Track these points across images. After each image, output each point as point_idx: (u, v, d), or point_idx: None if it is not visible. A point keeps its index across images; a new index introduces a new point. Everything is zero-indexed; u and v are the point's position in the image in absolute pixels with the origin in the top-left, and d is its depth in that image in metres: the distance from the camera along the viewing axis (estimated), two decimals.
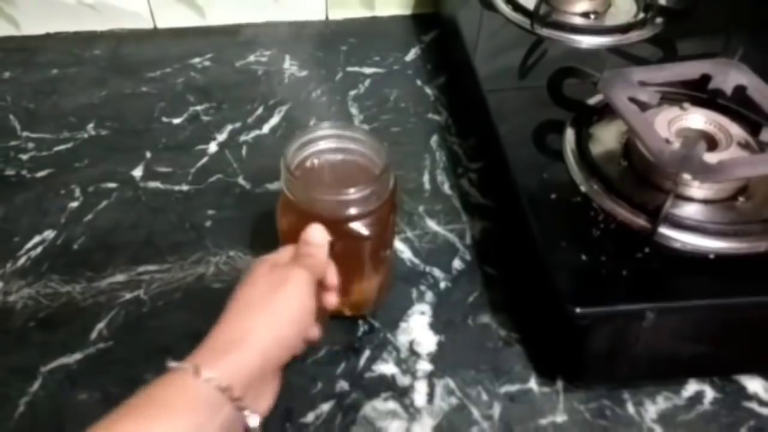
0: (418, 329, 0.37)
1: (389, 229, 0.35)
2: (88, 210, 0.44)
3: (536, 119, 0.41)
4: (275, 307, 0.28)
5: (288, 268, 0.29)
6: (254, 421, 0.26)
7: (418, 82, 0.56)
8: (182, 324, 0.37)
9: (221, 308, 0.39)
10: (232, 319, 0.28)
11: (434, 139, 0.50)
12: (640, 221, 0.33)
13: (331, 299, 0.32)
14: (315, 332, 0.31)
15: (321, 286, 0.31)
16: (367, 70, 0.57)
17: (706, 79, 0.39)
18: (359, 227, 0.33)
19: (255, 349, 0.27)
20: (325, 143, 0.35)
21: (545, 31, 0.49)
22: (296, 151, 0.34)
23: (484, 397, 0.34)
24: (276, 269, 0.30)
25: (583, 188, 0.36)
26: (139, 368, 0.35)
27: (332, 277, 0.32)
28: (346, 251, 0.33)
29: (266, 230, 0.38)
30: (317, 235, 0.31)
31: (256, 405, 0.27)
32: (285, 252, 0.32)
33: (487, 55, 0.49)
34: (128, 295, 0.39)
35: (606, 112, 0.40)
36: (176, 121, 0.52)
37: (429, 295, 0.39)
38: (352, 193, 0.31)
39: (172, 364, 0.26)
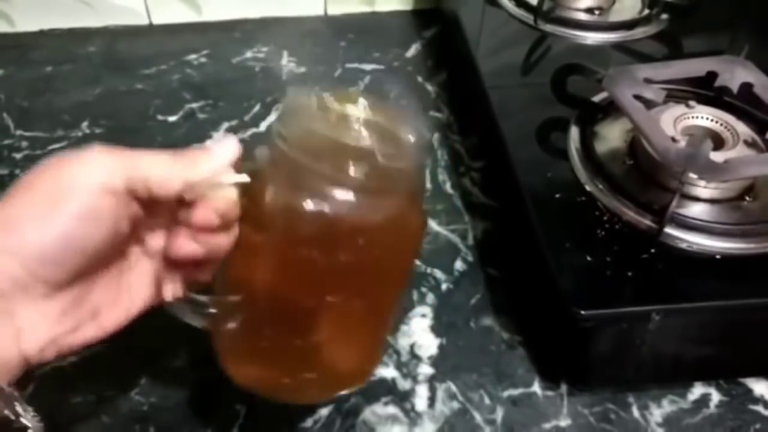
0: (419, 332, 0.37)
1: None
2: None
3: (540, 117, 0.40)
4: (47, 192, 0.19)
5: (89, 152, 0.21)
6: None
7: (419, 79, 0.55)
8: (178, 326, 0.36)
9: None
10: None
11: (435, 137, 0.50)
12: (646, 221, 0.33)
13: (180, 245, 0.23)
14: (140, 296, 0.24)
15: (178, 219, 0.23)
16: (367, 67, 0.56)
17: (712, 76, 0.38)
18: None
19: None
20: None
21: (549, 27, 0.48)
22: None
23: (487, 401, 0.34)
24: (76, 153, 0.21)
25: (587, 187, 0.35)
26: (134, 371, 0.35)
27: (201, 211, 0.22)
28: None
29: None
30: (226, 143, 0.23)
31: None
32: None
33: (490, 51, 0.48)
34: None
35: (611, 109, 0.39)
36: (171, 118, 0.51)
37: (430, 297, 0.38)
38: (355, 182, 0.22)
39: None
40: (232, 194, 0.24)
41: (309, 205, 0.23)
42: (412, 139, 0.25)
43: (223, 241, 0.24)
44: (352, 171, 0.23)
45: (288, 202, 0.23)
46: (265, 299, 0.25)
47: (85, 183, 0.20)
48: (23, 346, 0.21)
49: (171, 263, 0.24)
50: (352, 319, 0.26)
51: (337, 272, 0.24)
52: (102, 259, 0.22)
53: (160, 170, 0.22)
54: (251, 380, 0.26)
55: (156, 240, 0.25)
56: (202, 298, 0.26)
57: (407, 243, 0.26)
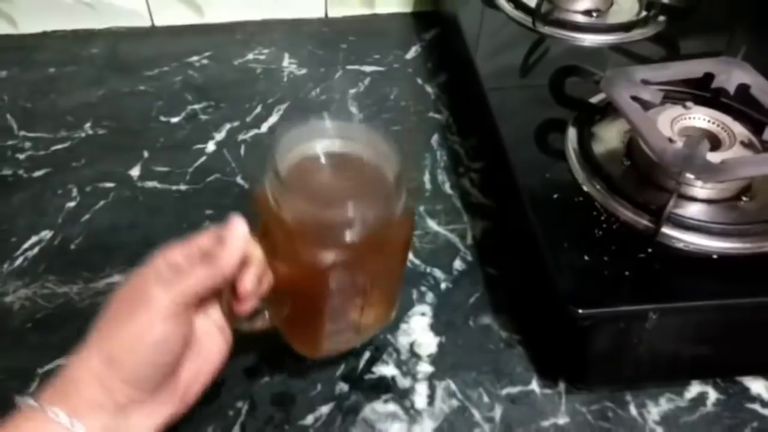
0: (418, 330, 0.37)
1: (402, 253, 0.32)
2: (86, 210, 0.44)
3: (538, 118, 0.41)
4: (131, 333, 0.26)
5: (147, 288, 0.26)
6: None
7: (419, 81, 0.56)
8: None
9: None
10: (89, 346, 0.26)
11: (435, 138, 0.50)
12: (643, 221, 0.33)
13: (242, 307, 0.29)
14: (216, 351, 0.29)
15: (231, 291, 0.28)
16: (367, 69, 0.57)
17: (709, 77, 0.38)
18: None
19: (102, 384, 0.25)
20: (323, 144, 0.30)
21: (547, 29, 0.48)
22: (285, 152, 0.29)
23: (486, 399, 0.34)
24: (137, 287, 0.27)
25: (585, 188, 0.35)
26: None
27: (245, 284, 0.28)
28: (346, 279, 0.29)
29: None
30: (235, 229, 0.27)
31: None
32: (177, 252, 0.28)
33: (489, 53, 0.48)
34: None
35: (608, 111, 0.39)
36: (174, 120, 0.51)
37: (430, 296, 0.39)
38: (358, 208, 0.27)
39: (20, 399, 0.25)
40: (259, 254, 0.29)
41: (315, 258, 0.28)
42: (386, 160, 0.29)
43: (267, 281, 0.29)
44: (346, 235, 0.27)
45: (299, 257, 0.28)
46: (305, 308, 0.31)
47: (155, 320, 0.26)
48: None
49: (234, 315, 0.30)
50: (375, 297, 0.31)
51: (354, 287, 0.30)
52: (181, 357, 0.28)
53: (204, 282, 0.27)
54: (313, 351, 0.33)
55: (211, 303, 0.30)
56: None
57: (403, 241, 0.31)
